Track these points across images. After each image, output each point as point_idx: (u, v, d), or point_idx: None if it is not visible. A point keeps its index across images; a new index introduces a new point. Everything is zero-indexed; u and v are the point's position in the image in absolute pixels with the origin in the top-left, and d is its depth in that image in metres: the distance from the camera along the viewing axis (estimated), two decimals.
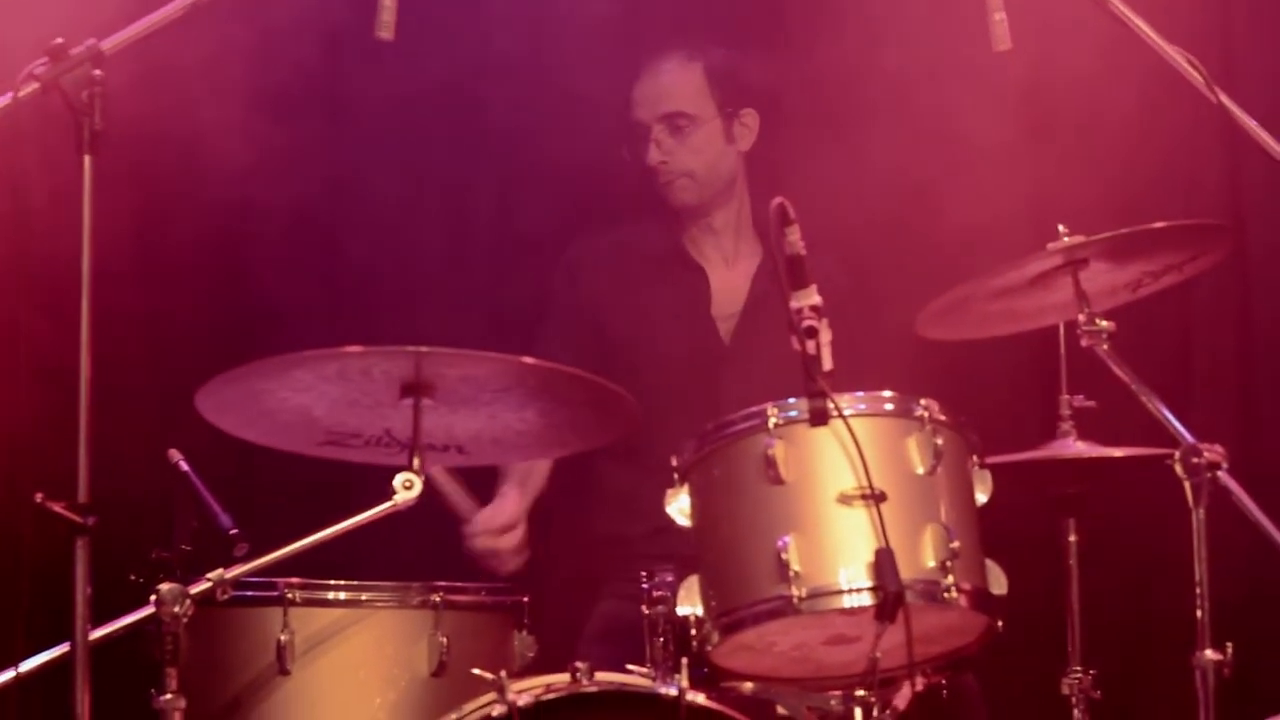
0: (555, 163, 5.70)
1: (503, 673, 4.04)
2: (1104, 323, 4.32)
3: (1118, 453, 4.69)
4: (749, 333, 5.33)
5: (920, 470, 3.87)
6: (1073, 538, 4.84)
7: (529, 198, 5.84)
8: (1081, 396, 4.76)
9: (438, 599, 4.33)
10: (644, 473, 5.06)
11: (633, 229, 5.50)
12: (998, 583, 3.93)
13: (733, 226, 5.42)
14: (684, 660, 3.93)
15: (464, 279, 5.80)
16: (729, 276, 5.41)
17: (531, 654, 4.45)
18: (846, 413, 3.82)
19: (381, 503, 4.01)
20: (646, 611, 4.19)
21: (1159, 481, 4.24)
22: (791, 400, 3.87)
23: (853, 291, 5.15)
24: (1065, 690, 4.80)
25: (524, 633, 4.46)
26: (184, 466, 4.35)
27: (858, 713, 3.98)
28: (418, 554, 4.91)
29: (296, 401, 4.05)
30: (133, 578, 4.11)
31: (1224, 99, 4.25)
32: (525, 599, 4.47)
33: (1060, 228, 4.35)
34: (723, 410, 4.96)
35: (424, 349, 3.91)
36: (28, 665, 3.81)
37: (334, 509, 4.18)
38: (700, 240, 5.43)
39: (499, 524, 5.06)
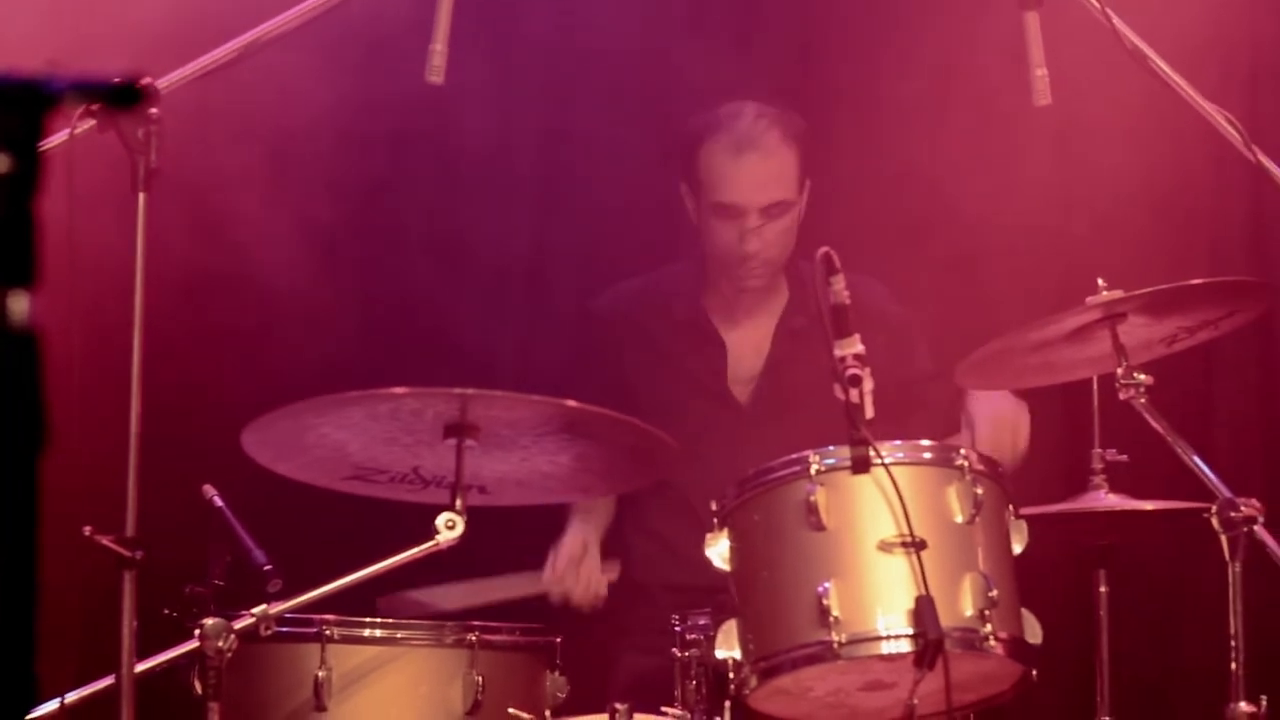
0: (588, 205, 5.73)
1: (546, 712, 4.07)
2: (1142, 376, 4.33)
3: (1149, 506, 4.71)
4: (768, 394, 5.13)
5: (960, 519, 3.90)
6: (1103, 589, 4.85)
7: (563, 242, 5.85)
8: (1114, 450, 4.77)
9: (473, 638, 4.31)
10: (671, 531, 5.05)
11: (658, 281, 5.27)
12: (1033, 632, 3.96)
13: (765, 285, 5.15)
14: (726, 704, 3.96)
15: (502, 326, 5.81)
16: (751, 336, 5.17)
17: (563, 695, 4.44)
18: (887, 461, 3.86)
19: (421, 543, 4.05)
20: (679, 655, 4.19)
21: (1189, 535, 4.26)
22: (833, 448, 3.90)
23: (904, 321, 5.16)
24: None
25: (556, 673, 4.44)
26: (218, 502, 4.36)
27: None
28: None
29: (336, 438, 4.09)
30: (166, 612, 4.12)
31: (1262, 158, 4.29)
32: (558, 640, 4.48)
33: (1099, 281, 4.37)
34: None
35: (469, 391, 3.96)
36: (73, 696, 3.83)
37: (369, 547, 4.21)
38: (730, 298, 5.16)
39: (562, 566, 4.96)
